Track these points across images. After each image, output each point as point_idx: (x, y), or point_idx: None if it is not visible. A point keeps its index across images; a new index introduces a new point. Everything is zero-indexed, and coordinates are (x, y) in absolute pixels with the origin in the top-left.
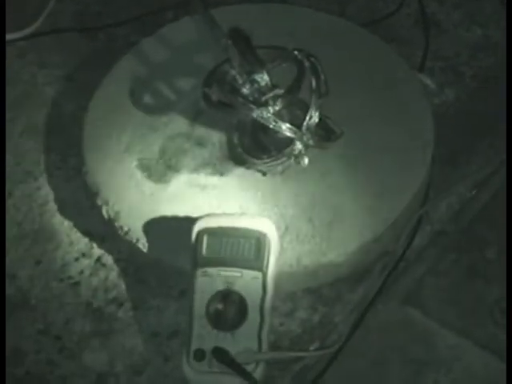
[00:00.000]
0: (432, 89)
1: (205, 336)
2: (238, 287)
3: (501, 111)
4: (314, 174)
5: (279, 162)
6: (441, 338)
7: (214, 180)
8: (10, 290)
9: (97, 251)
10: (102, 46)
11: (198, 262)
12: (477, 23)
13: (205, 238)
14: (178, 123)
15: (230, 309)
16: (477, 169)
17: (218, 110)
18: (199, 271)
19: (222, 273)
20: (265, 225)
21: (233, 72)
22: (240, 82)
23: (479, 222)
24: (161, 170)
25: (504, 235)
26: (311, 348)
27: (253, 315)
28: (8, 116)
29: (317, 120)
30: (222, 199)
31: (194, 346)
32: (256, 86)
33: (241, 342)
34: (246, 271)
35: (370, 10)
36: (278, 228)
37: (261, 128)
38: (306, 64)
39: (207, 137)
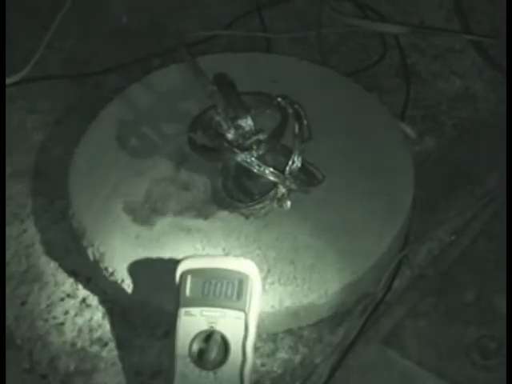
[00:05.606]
0: (413, 137)
1: (188, 375)
2: (221, 327)
3: (479, 159)
4: (296, 218)
5: (262, 205)
6: (420, 379)
7: (199, 223)
8: None
9: (82, 292)
10: (90, 93)
11: (181, 302)
12: (456, 74)
13: (188, 279)
14: (164, 167)
15: (212, 348)
16: (456, 214)
17: (203, 154)
18: (182, 311)
19: (205, 313)
20: (247, 266)
21: (217, 117)
22: (225, 127)
23: (458, 267)
24: (146, 213)
25: (483, 279)
26: None
27: (235, 355)
28: None
29: (299, 165)
30: (205, 242)
31: None
32: (240, 131)
33: (223, 382)
34: (228, 311)
35: (352, 60)
36: (260, 270)
37: (244, 172)
38: (290, 110)
39: (192, 181)
